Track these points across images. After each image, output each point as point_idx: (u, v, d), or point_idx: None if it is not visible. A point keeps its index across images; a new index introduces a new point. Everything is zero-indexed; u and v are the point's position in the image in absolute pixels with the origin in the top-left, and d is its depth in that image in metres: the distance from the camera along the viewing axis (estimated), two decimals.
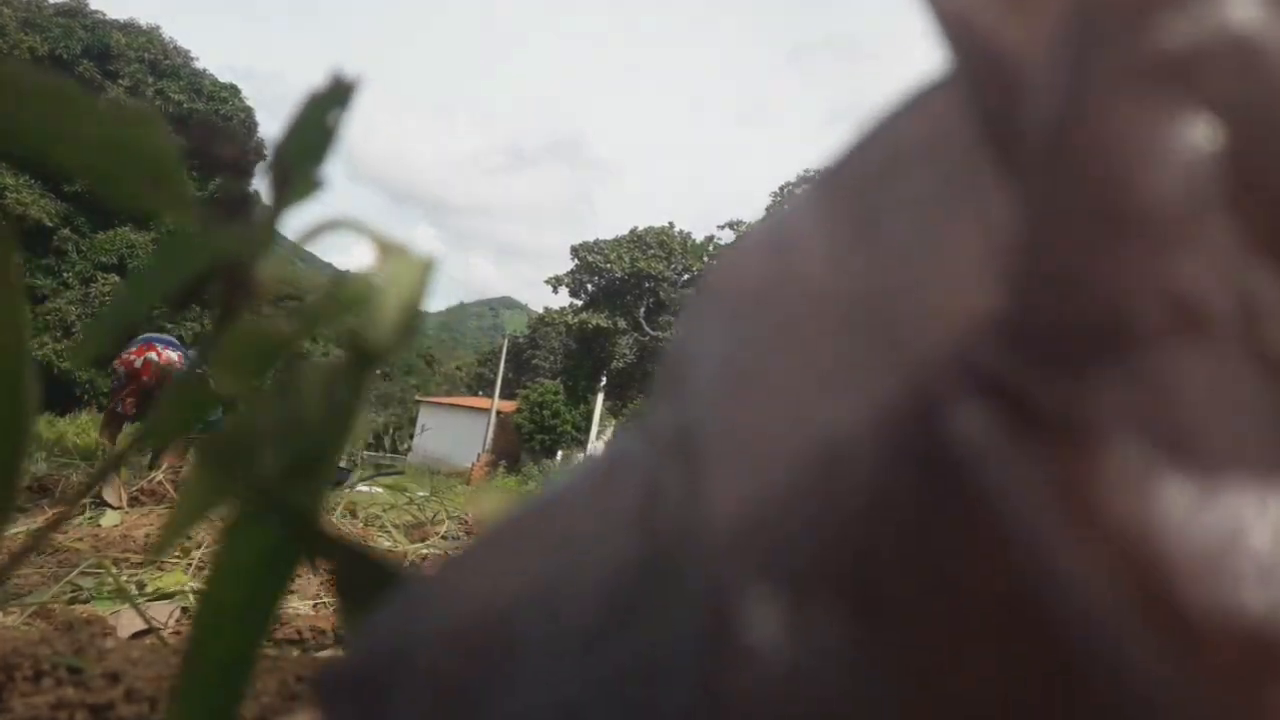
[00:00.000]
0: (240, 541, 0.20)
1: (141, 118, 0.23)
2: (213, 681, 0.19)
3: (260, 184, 0.26)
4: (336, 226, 0.26)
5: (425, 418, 26.96)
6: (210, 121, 0.26)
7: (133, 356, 3.75)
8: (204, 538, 1.25)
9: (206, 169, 0.25)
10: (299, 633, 0.84)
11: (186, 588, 0.96)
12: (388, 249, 0.24)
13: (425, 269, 0.23)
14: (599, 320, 14.95)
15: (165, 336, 3.98)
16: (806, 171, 14.12)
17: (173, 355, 3.80)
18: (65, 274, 11.82)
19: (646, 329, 15.08)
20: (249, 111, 15.13)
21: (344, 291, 0.23)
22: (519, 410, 23.11)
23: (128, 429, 3.83)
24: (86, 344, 0.24)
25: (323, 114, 0.26)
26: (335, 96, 0.26)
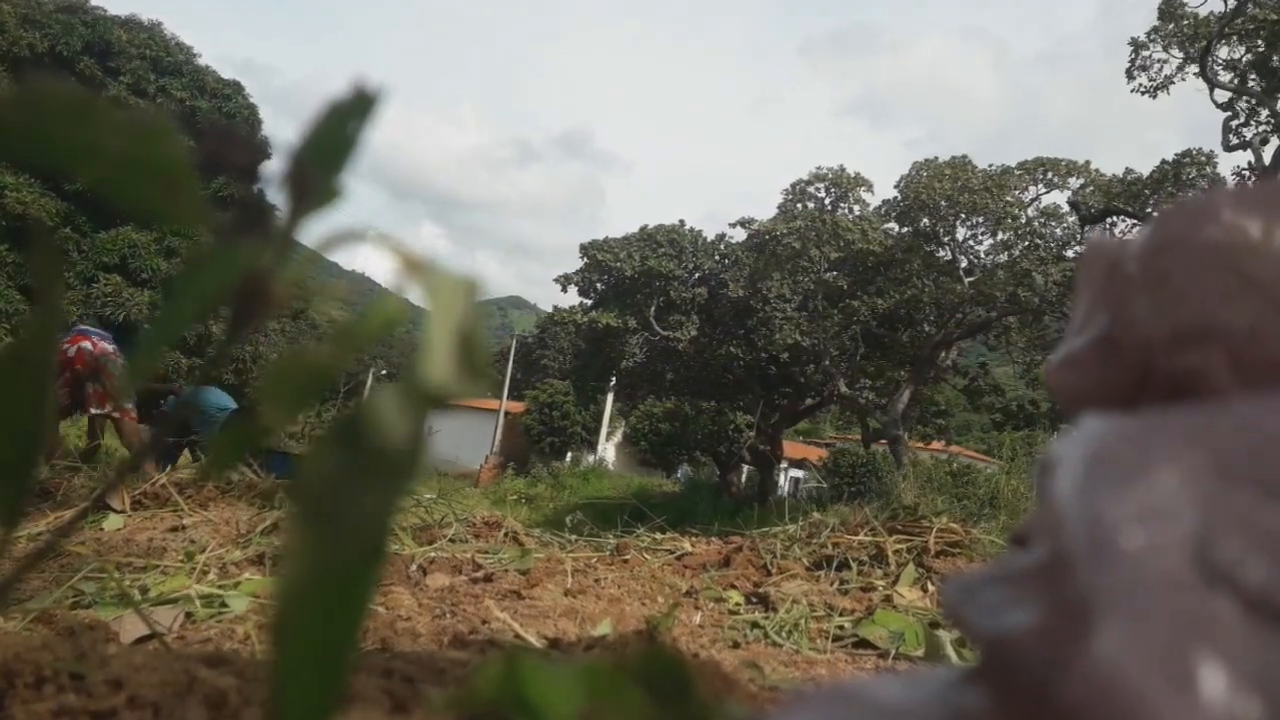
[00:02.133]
0: (324, 554, 0.19)
1: (156, 127, 0.22)
2: (309, 703, 0.19)
3: (267, 185, 0.25)
4: (353, 236, 0.26)
5: (432, 419, 26.98)
6: (224, 127, 0.25)
7: (65, 345, 3.69)
8: (208, 542, 1.25)
9: (215, 170, 0.25)
10: None
11: (190, 592, 0.96)
12: (412, 262, 0.24)
13: (469, 292, 0.22)
14: (609, 319, 14.92)
15: (97, 329, 3.95)
16: (818, 168, 14.05)
17: (107, 346, 3.78)
18: (66, 274, 11.81)
19: (657, 328, 15.05)
20: (253, 109, 15.04)
21: (378, 311, 0.22)
22: (527, 411, 23.14)
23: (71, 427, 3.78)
24: (135, 373, 0.23)
25: (343, 124, 0.25)
26: (357, 107, 0.25)
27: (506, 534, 1.79)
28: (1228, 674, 0.17)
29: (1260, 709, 0.17)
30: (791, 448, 21.07)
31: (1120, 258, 0.30)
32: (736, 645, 1.17)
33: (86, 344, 3.63)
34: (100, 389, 3.61)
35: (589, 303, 15.93)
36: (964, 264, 12.64)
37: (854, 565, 1.67)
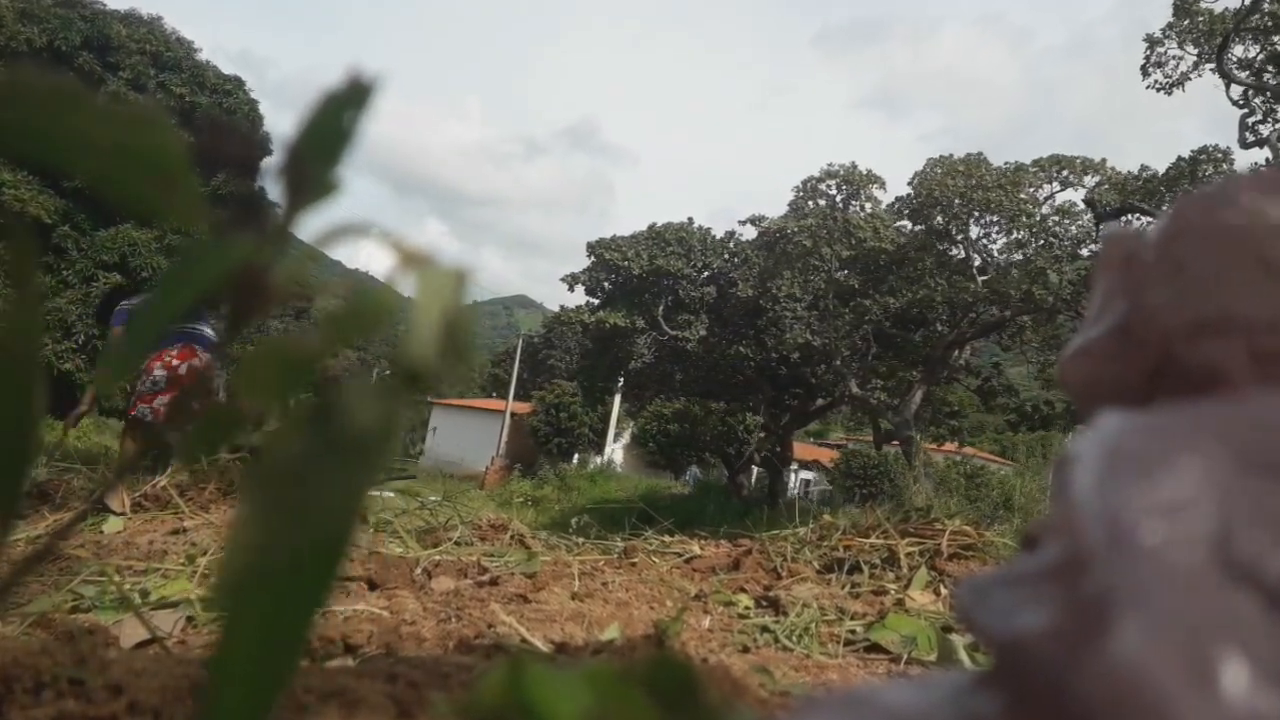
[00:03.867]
0: (276, 545, 0.18)
1: (149, 118, 0.22)
2: (244, 700, 0.18)
3: (268, 181, 0.25)
4: (353, 230, 0.25)
5: (437, 420, 27.13)
6: (219, 120, 0.25)
7: (175, 360, 3.63)
8: (209, 545, 1.25)
9: (213, 166, 0.25)
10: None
11: (191, 596, 0.95)
12: (411, 256, 0.23)
13: (459, 281, 0.22)
14: (616, 319, 14.92)
15: (205, 334, 3.79)
16: (830, 165, 13.99)
17: (208, 358, 3.71)
18: (65, 272, 11.49)
19: (665, 328, 15.03)
20: (253, 105, 14.90)
21: (369, 303, 0.22)
22: (534, 412, 23.18)
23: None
24: (115, 367, 0.23)
25: (339, 115, 0.25)
26: (353, 97, 0.25)
27: (512, 537, 1.79)
28: (1250, 670, 0.17)
29: None
30: (802, 449, 20.97)
31: (1137, 246, 0.29)
32: (746, 650, 1.16)
33: (195, 361, 3.57)
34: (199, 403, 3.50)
35: (596, 302, 15.93)
36: (977, 262, 12.55)
37: (865, 568, 1.66)
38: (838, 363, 13.24)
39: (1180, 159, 11.78)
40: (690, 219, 15.78)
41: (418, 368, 0.20)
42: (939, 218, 12.53)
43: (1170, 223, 0.29)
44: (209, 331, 3.78)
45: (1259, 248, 0.26)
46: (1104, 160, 12.60)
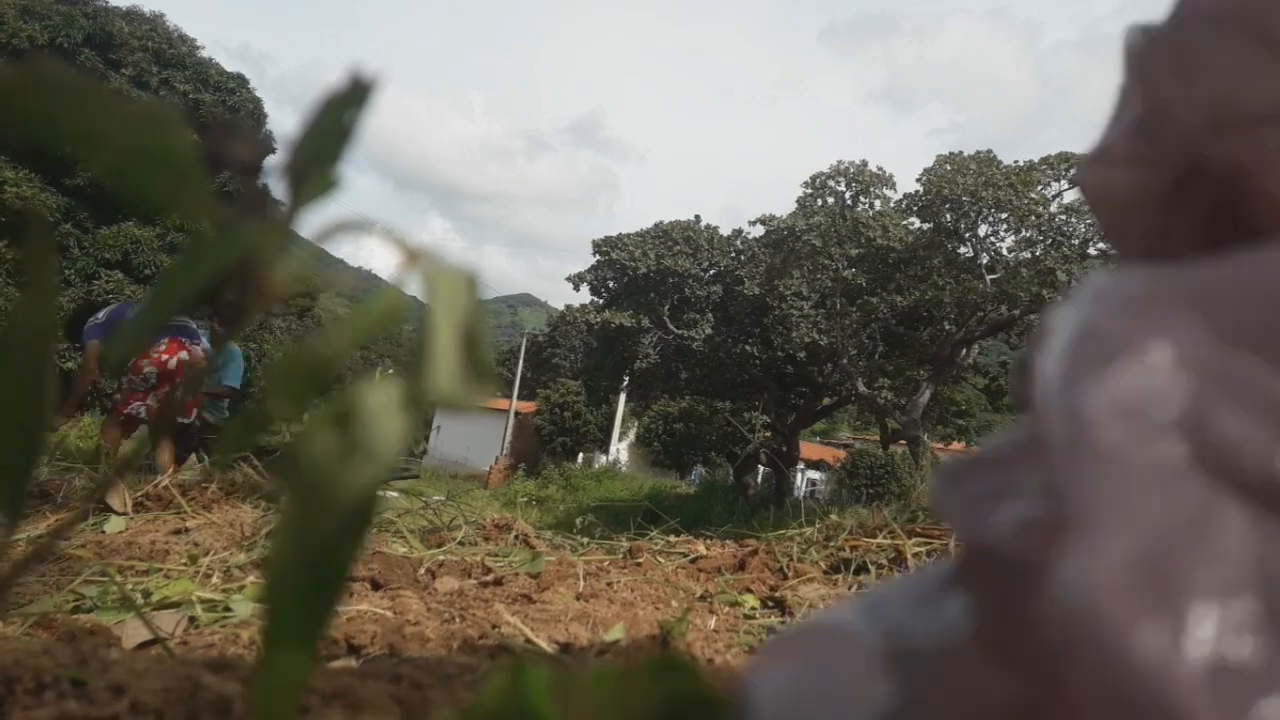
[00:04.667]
0: (304, 535, 0.21)
1: (162, 117, 0.22)
2: (290, 662, 0.20)
3: (271, 178, 0.25)
4: (356, 227, 0.25)
5: (441, 419, 27.16)
6: (226, 121, 0.25)
7: (164, 356, 3.63)
8: (212, 545, 1.26)
9: (217, 164, 0.25)
10: None
11: (193, 597, 0.95)
12: (415, 255, 0.23)
13: (470, 287, 0.22)
14: (622, 318, 14.88)
15: (189, 326, 3.80)
16: (839, 162, 13.91)
17: (199, 351, 3.71)
18: (67, 270, 11.27)
19: (671, 327, 15.00)
20: (257, 102, 14.47)
21: (381, 306, 0.22)
22: (538, 411, 23.20)
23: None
24: (118, 350, 0.23)
25: (340, 114, 0.25)
26: (353, 97, 0.25)
27: (517, 536, 1.79)
28: (1215, 582, 0.15)
29: (1255, 608, 0.15)
30: (808, 448, 20.92)
31: (1149, 38, 0.27)
32: (752, 650, 1.15)
33: (184, 353, 3.56)
34: (192, 398, 3.49)
35: (601, 301, 15.91)
36: (985, 260, 12.50)
37: (872, 569, 1.65)
38: (844, 362, 13.20)
39: None
40: (697, 217, 15.71)
41: (442, 391, 0.20)
42: (948, 215, 12.46)
43: (1175, 9, 0.27)
44: (192, 324, 3.79)
45: (1266, 28, 0.24)
46: None
